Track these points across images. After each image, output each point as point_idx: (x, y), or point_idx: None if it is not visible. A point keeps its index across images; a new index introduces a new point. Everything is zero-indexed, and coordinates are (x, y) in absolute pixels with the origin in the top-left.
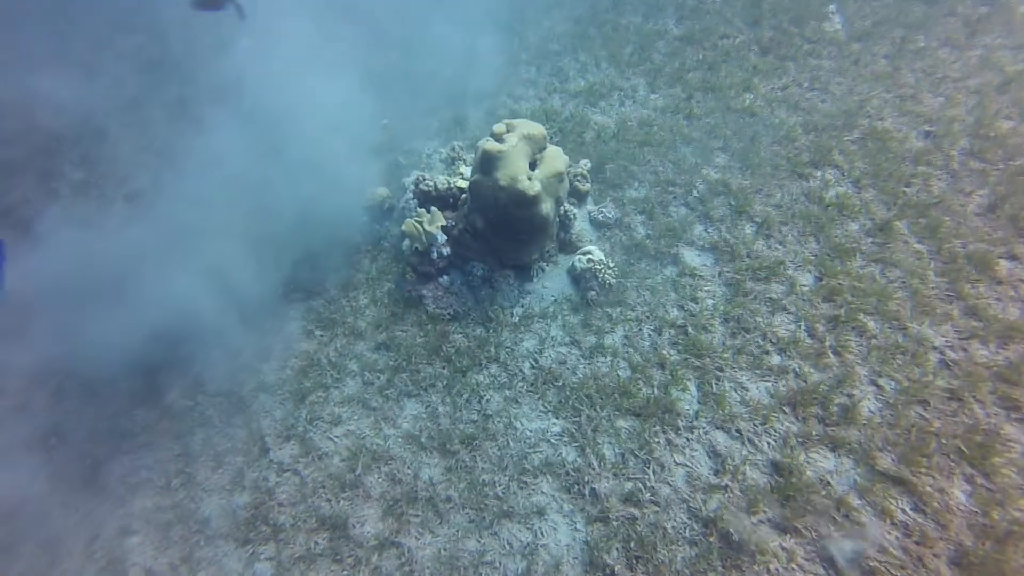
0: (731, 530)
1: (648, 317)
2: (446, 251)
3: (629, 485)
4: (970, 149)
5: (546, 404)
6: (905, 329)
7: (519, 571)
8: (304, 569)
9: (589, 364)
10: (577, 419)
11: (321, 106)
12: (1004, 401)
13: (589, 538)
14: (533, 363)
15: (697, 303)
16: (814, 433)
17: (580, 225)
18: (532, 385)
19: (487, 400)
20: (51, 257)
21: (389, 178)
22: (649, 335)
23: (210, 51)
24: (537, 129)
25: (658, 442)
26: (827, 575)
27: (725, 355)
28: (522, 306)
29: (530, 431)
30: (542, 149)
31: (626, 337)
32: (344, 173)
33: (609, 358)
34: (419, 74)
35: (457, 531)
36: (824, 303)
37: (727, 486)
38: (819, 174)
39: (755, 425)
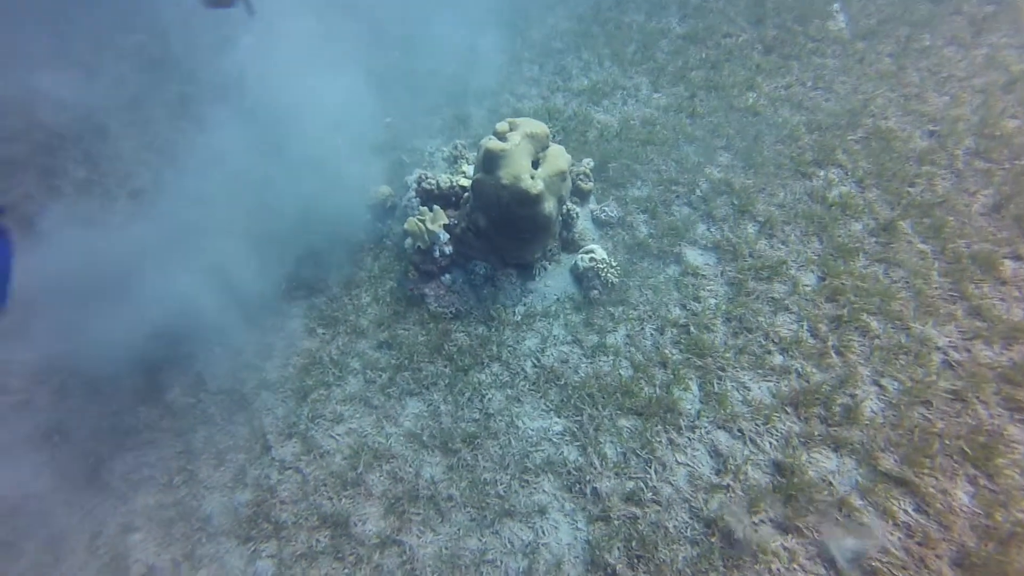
0: (729, 526)
1: (650, 316)
2: (448, 250)
3: (631, 484)
4: (975, 148)
5: (548, 403)
6: (908, 329)
7: (520, 570)
8: (306, 567)
9: (591, 363)
10: (579, 418)
11: (323, 104)
12: (1008, 402)
13: (590, 537)
14: (535, 362)
15: (699, 302)
16: (816, 433)
17: (583, 224)
18: (534, 384)
19: (489, 399)
20: (54, 254)
21: (392, 176)
22: (651, 334)
23: (211, 49)
24: (540, 128)
25: (660, 441)
26: (828, 575)
27: (727, 355)
28: (524, 305)
29: (532, 430)
30: (545, 148)
31: (628, 336)
32: (346, 171)
33: (611, 357)
34: (421, 72)
35: (458, 529)
36: (827, 303)
37: (729, 486)
38: (822, 173)
39: (757, 425)
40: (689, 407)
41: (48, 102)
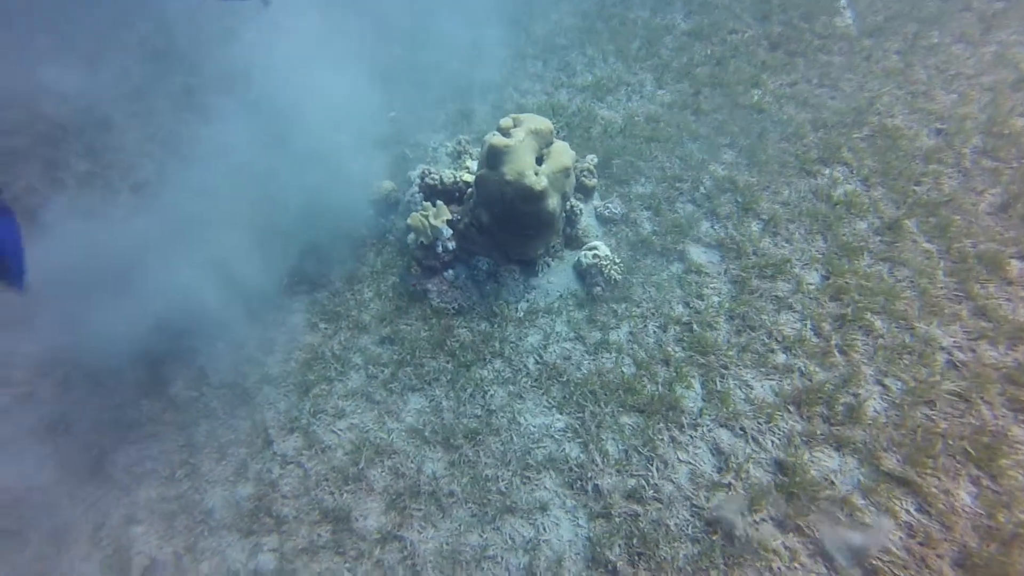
0: (725, 520)
1: (653, 314)
2: (451, 245)
3: (632, 482)
4: (982, 147)
5: (550, 400)
6: (912, 329)
7: (521, 566)
8: (307, 561)
9: (594, 360)
10: (581, 415)
11: (326, 98)
12: (1012, 403)
13: (591, 534)
14: (537, 358)
15: (703, 300)
16: (819, 432)
17: (586, 220)
18: (536, 380)
19: (491, 395)
20: (57, 247)
21: (395, 171)
22: (654, 332)
23: (216, 41)
24: (544, 124)
25: (662, 439)
26: (829, 574)
27: (730, 353)
28: (527, 301)
29: (534, 426)
30: (549, 144)
31: (631, 333)
32: (349, 165)
33: (614, 354)
34: (425, 67)
35: (460, 525)
36: (831, 302)
37: (730, 484)
38: (827, 172)
39: (759, 423)
40: (691, 405)
41: (51, 94)
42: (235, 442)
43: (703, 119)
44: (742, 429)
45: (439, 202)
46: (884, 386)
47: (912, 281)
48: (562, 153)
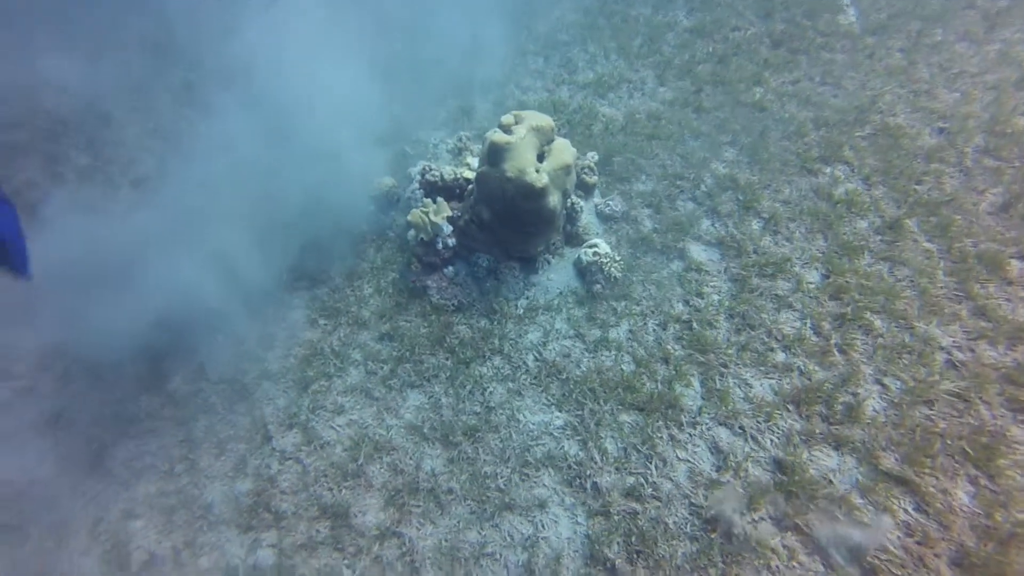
0: (723, 517)
1: (653, 311)
2: (451, 242)
3: (631, 480)
4: (985, 146)
5: (549, 397)
6: (912, 328)
7: (520, 563)
8: (306, 557)
9: (593, 358)
10: (580, 413)
11: (327, 93)
12: (1011, 403)
13: (590, 532)
14: (537, 356)
15: (703, 298)
16: (818, 431)
17: (586, 218)
18: (535, 378)
19: (490, 392)
20: (57, 241)
21: (395, 168)
22: (654, 329)
23: (216, 36)
24: (545, 121)
25: (661, 437)
26: (827, 572)
27: (729, 351)
28: (527, 298)
29: (533, 424)
30: (550, 141)
31: (631, 331)
32: (350, 161)
33: (613, 352)
34: (425, 62)
35: (458, 522)
36: (831, 301)
37: (729, 482)
38: (829, 170)
39: (758, 422)
40: (691, 403)
41: (51, 88)
42: (234, 438)
43: (704, 117)
44: (741, 428)
45: (439, 199)
46: (883, 385)
47: (912, 280)
48: (563, 150)
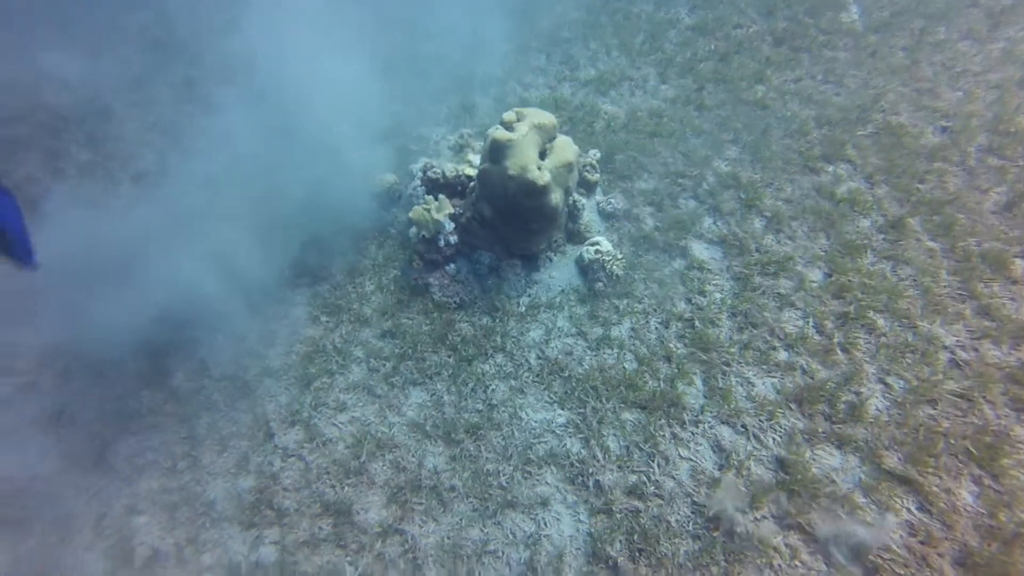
0: (724, 514)
1: (655, 310)
2: (453, 239)
3: (633, 478)
4: (988, 145)
5: (551, 395)
6: (915, 328)
7: (522, 560)
8: (308, 554)
9: (595, 355)
10: (582, 410)
11: (327, 89)
12: (1015, 403)
13: (592, 530)
14: (539, 353)
15: (705, 297)
16: (820, 430)
17: (588, 216)
18: (538, 375)
19: (492, 389)
20: (58, 236)
21: (397, 164)
22: (656, 328)
23: (217, 31)
24: (548, 118)
25: (663, 435)
26: (829, 571)
27: (732, 350)
28: (529, 296)
29: (535, 421)
30: (552, 138)
31: (633, 329)
32: (351, 158)
33: (615, 350)
34: (426, 58)
35: (461, 520)
36: (833, 299)
37: (731, 481)
38: (831, 169)
39: (761, 421)
40: (693, 402)
41: (52, 83)
42: (236, 434)
43: (706, 115)
44: (743, 426)
45: (441, 196)
46: (886, 385)
47: (915, 280)
48: (565, 148)
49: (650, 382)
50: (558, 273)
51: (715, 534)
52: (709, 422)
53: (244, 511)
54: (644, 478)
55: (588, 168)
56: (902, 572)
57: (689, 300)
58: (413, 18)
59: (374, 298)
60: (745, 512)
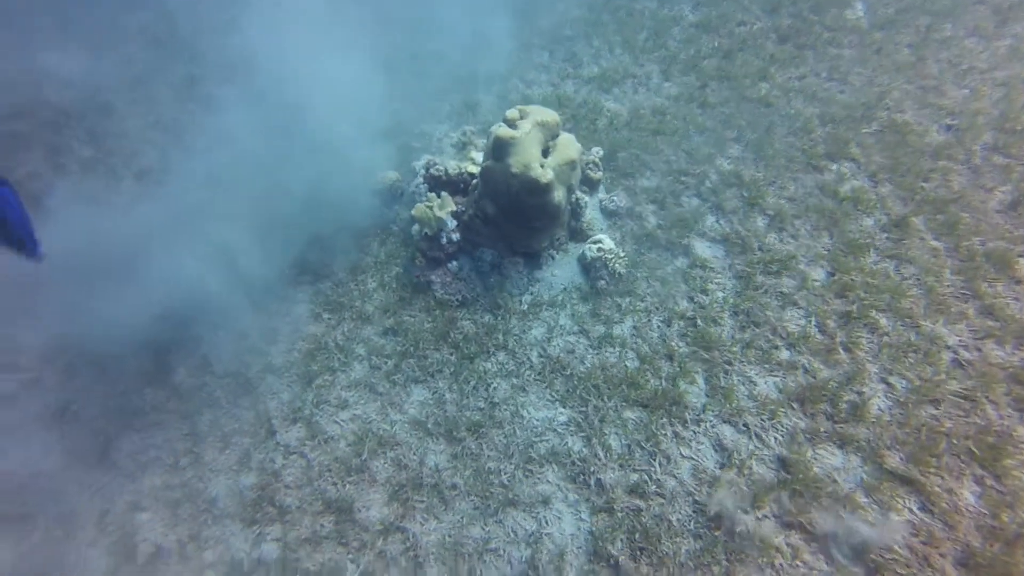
0: (726, 513)
1: (657, 308)
2: (456, 237)
3: (635, 476)
4: (994, 144)
5: (553, 393)
6: (918, 327)
7: (523, 559)
8: (310, 551)
9: (597, 354)
10: (584, 409)
11: (329, 87)
12: (1018, 403)
13: (594, 528)
14: (541, 351)
15: (707, 295)
16: (822, 430)
17: (591, 213)
18: (540, 374)
19: (494, 388)
20: (60, 233)
21: (399, 161)
22: (658, 326)
23: (218, 29)
24: (551, 116)
25: (665, 434)
26: (831, 571)
27: (734, 348)
28: (531, 294)
29: (537, 420)
30: (555, 136)
31: (635, 328)
32: (353, 155)
33: (617, 348)
34: (428, 56)
35: (462, 518)
36: (836, 299)
37: (733, 480)
38: (835, 167)
39: (763, 420)
40: (695, 400)
41: (53, 79)
42: (238, 431)
43: (710, 112)
44: (745, 425)
45: (444, 193)
46: (889, 384)
47: (919, 279)
48: (568, 145)
49: (652, 381)
50: (560, 271)
51: (716, 533)
52: (711, 421)
53: (246, 508)
54: (646, 477)
55: (591, 166)
56: (904, 572)
57: (691, 299)
58: (415, 16)
59: (376, 295)
60: (747, 511)
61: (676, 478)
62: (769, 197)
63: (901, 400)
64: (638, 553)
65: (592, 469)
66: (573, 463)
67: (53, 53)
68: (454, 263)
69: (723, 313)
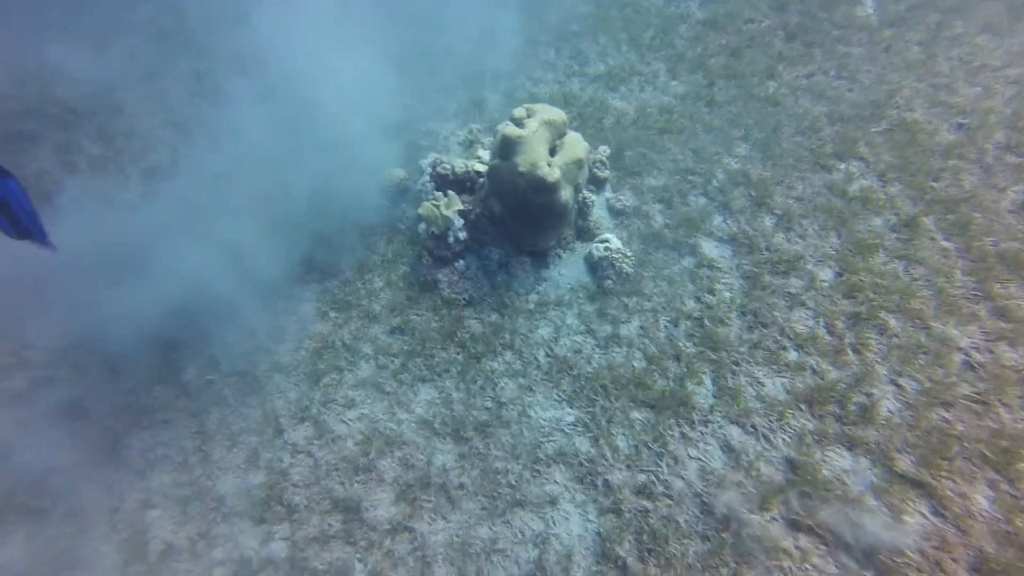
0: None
1: (664, 308)
2: (463, 235)
3: (642, 477)
4: (1006, 143)
5: (560, 393)
6: (928, 328)
7: (531, 559)
8: (318, 550)
9: (604, 354)
10: (591, 409)
11: (338, 84)
12: None
13: (601, 529)
14: (548, 351)
15: (714, 295)
16: (831, 431)
17: (598, 212)
18: (547, 373)
19: (501, 387)
20: (70, 231)
21: (406, 160)
22: (665, 326)
23: (227, 24)
24: (558, 115)
25: (672, 435)
26: (840, 574)
27: (741, 349)
28: (538, 293)
29: (544, 420)
30: (562, 135)
31: (642, 328)
32: (360, 153)
33: (624, 348)
34: (436, 53)
35: (470, 518)
36: (844, 299)
37: (741, 482)
38: (843, 166)
39: (770, 421)
40: (702, 401)
41: (63, 77)
42: (246, 430)
43: (717, 111)
44: (753, 426)
45: (451, 192)
46: (898, 386)
47: (929, 280)
48: (575, 144)
49: (659, 381)
50: (567, 270)
51: (724, 535)
52: (718, 422)
53: (254, 507)
54: (653, 478)
55: (598, 165)
56: None
57: (698, 299)
58: (422, 13)
59: (383, 294)
60: (755, 513)
61: (684, 479)
62: (777, 196)
63: (911, 402)
64: (646, 554)
65: (599, 469)
66: (580, 464)
67: (61, 48)
68: (461, 262)
69: (730, 313)
